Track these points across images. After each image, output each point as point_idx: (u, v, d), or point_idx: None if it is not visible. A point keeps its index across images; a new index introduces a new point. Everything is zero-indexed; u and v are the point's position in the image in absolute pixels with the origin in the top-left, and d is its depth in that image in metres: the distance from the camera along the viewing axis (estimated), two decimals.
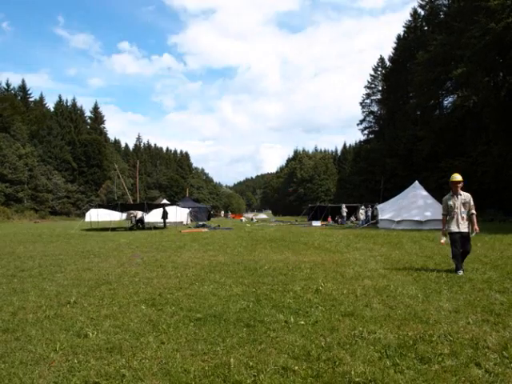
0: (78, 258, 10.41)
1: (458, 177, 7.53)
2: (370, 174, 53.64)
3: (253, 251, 11.71)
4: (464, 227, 7.31)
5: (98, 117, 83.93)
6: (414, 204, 22.14)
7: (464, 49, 30.81)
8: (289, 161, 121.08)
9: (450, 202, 7.43)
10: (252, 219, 49.45)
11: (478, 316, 4.55)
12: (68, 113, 75.00)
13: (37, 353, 3.66)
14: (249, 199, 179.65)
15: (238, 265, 8.84)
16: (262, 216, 79.77)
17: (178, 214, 31.58)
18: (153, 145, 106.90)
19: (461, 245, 7.26)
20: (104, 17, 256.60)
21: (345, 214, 32.64)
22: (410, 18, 52.90)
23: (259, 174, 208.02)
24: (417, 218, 21.05)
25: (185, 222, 34.74)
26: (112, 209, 28.33)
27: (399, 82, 50.70)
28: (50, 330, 4.33)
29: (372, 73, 64.48)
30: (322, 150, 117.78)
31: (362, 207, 29.61)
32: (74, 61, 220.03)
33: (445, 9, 44.56)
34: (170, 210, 30.01)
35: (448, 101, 44.55)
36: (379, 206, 24.04)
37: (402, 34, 54.67)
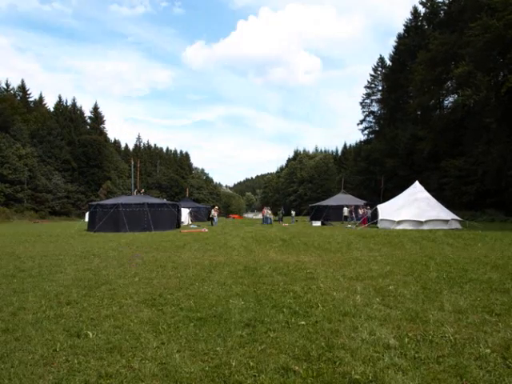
0: (78, 258, 10.41)
1: None
2: (370, 174, 53.62)
3: (253, 251, 11.70)
4: None
5: (98, 117, 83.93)
6: (414, 204, 22.12)
7: (465, 48, 30.81)
8: (289, 161, 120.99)
9: None
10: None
11: (478, 316, 4.55)
12: (68, 113, 75.03)
13: (37, 353, 3.65)
14: (249, 199, 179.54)
15: (238, 265, 8.84)
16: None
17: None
18: (153, 145, 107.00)
19: None
20: None
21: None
22: (410, 17, 52.87)
23: (259, 174, 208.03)
24: (417, 218, 21.03)
25: (185, 223, 34.72)
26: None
27: (399, 81, 50.65)
28: (50, 330, 4.32)
29: (372, 73, 64.50)
30: (323, 149, 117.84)
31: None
32: None
33: (445, 7, 44.56)
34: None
35: (448, 100, 44.55)
36: (379, 206, 24.02)
37: (402, 32, 54.66)
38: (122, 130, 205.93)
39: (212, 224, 29.83)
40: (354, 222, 29.88)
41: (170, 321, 4.57)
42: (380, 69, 63.53)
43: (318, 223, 30.11)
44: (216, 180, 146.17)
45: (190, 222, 35.41)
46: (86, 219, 37.39)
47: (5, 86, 69.32)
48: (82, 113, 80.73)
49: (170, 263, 9.32)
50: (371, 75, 64.51)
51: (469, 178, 33.43)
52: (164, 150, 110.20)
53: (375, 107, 64.35)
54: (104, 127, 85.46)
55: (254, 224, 32.86)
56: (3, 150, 55.47)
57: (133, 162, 40.26)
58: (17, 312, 5.06)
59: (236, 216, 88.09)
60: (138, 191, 27.38)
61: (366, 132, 66.27)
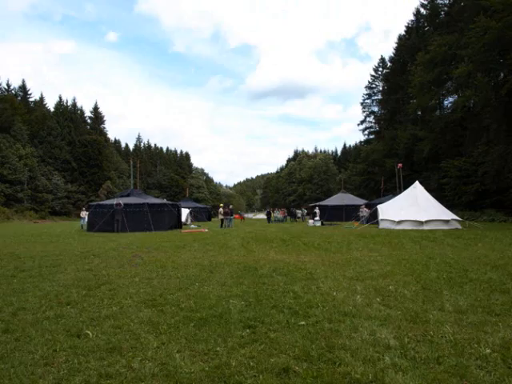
0: (78, 259, 10.40)
1: None
2: (370, 174, 53.68)
3: (253, 251, 11.70)
4: None
5: (98, 117, 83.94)
6: (414, 204, 22.12)
7: (465, 48, 30.82)
8: (289, 161, 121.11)
9: None
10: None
11: (478, 316, 4.55)
12: (68, 113, 75.03)
13: (37, 353, 3.65)
14: (249, 199, 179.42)
15: (239, 265, 8.83)
16: (263, 216, 79.62)
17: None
18: (153, 145, 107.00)
19: None
20: None
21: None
22: (412, 18, 52.84)
23: (259, 174, 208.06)
24: (417, 218, 21.03)
25: (186, 223, 34.73)
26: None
27: (400, 82, 50.68)
28: (50, 330, 4.32)
29: (372, 73, 64.51)
30: (322, 150, 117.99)
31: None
32: None
33: (446, 8, 44.59)
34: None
35: (448, 101, 44.55)
36: (380, 206, 24.02)
37: (403, 33, 54.67)
38: (122, 130, 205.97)
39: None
40: (351, 222, 29.78)
41: (170, 321, 4.57)
42: (381, 69, 63.55)
43: (318, 223, 30.07)
44: (216, 180, 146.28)
45: (190, 222, 35.42)
46: (86, 219, 37.42)
47: (5, 87, 69.41)
48: (82, 113, 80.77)
49: (170, 263, 9.32)
50: (372, 76, 64.54)
51: (469, 179, 33.42)
52: (164, 149, 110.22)
53: (375, 108, 64.40)
54: (104, 127, 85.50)
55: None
56: (3, 150, 55.48)
57: (132, 162, 40.23)
58: (17, 312, 5.06)
59: (236, 216, 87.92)
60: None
61: (366, 132, 66.37)
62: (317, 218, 30.94)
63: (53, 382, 3.09)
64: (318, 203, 41.88)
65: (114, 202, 23.66)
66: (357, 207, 35.00)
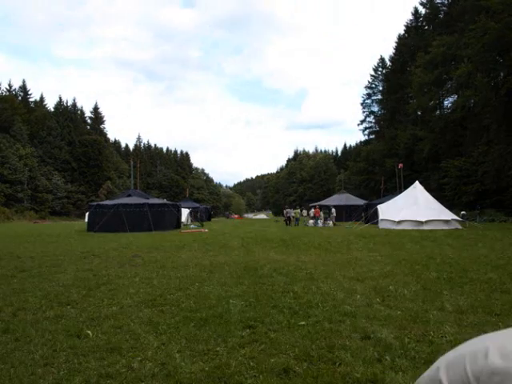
0: (78, 259, 10.40)
1: None
2: (370, 174, 53.69)
3: (253, 251, 11.69)
4: None
5: (98, 117, 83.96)
6: (414, 204, 22.12)
7: (464, 49, 30.86)
8: (289, 161, 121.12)
9: None
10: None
11: (478, 316, 4.54)
12: (68, 113, 75.03)
13: (37, 353, 3.65)
14: (249, 199, 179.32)
15: (239, 265, 8.83)
16: (262, 216, 79.78)
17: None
18: (153, 145, 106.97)
19: None
20: None
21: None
22: (411, 18, 52.84)
23: (259, 174, 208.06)
24: (417, 218, 21.02)
25: (186, 223, 34.71)
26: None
27: (400, 82, 50.70)
28: (50, 330, 4.32)
29: (372, 73, 64.51)
30: (323, 150, 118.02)
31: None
32: None
33: (445, 8, 44.63)
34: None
35: (448, 101, 44.56)
36: (380, 206, 24.01)
37: (402, 33, 54.68)
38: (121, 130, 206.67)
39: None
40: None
41: (170, 321, 4.57)
42: (380, 69, 63.53)
43: (319, 223, 30.06)
44: (216, 180, 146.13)
45: (190, 222, 35.40)
46: (86, 219, 37.40)
47: (6, 87, 69.48)
48: (82, 113, 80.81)
49: (170, 263, 9.31)
50: (372, 75, 64.54)
51: (469, 179, 33.44)
52: (164, 150, 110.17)
53: (375, 107, 64.40)
54: (104, 127, 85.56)
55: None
56: (3, 150, 55.51)
57: (132, 162, 40.23)
58: (17, 312, 5.06)
59: (236, 216, 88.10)
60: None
61: (366, 132, 66.40)
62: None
63: (53, 382, 3.09)
64: (318, 203, 41.84)
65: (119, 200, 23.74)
66: (357, 207, 35.08)
